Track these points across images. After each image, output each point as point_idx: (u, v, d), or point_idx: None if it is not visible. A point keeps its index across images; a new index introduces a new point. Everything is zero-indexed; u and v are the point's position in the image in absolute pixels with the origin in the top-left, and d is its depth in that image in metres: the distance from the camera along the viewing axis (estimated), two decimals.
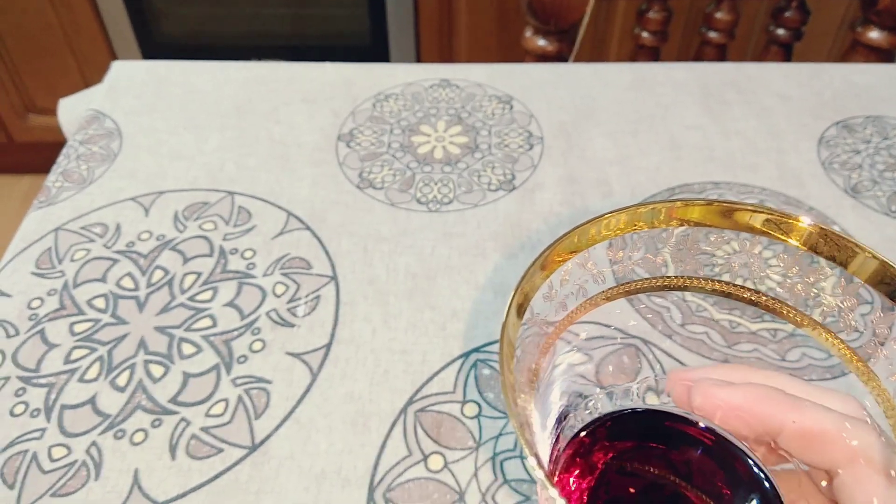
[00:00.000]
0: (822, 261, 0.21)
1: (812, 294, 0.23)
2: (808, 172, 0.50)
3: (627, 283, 0.24)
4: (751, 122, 0.54)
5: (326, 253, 0.43)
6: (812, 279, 0.22)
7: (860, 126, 0.53)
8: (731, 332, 0.40)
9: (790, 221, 0.21)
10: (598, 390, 0.26)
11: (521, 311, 0.19)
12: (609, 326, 0.38)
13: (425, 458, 0.35)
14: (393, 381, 0.38)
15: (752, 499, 0.23)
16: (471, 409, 0.36)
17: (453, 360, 0.39)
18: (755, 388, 0.23)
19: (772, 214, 0.21)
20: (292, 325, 0.40)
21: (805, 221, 0.21)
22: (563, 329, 0.22)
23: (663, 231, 0.23)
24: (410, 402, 0.37)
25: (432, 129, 0.53)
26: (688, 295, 0.43)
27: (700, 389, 0.23)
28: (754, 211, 0.22)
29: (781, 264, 0.23)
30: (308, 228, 0.45)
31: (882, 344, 0.21)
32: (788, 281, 0.23)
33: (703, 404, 0.23)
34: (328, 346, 0.39)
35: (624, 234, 0.22)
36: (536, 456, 0.16)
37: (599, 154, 0.51)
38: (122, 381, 0.37)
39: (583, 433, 0.24)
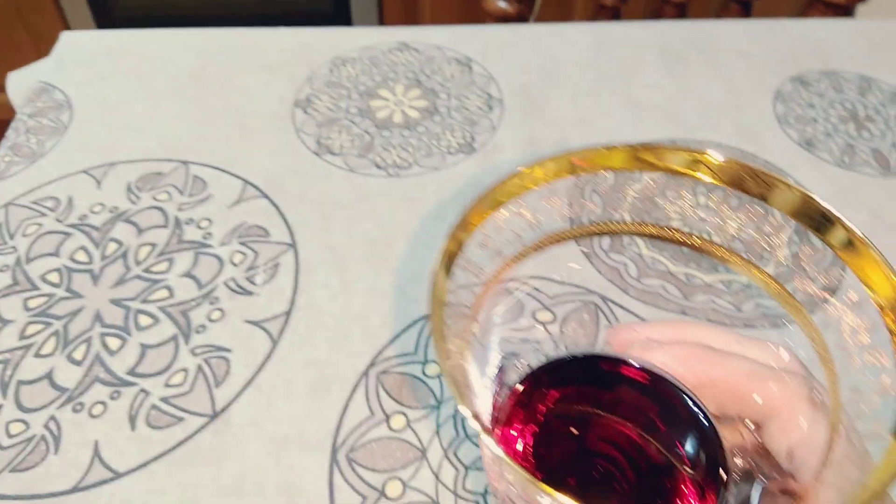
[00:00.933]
0: (747, 197, 0.21)
1: (737, 230, 0.23)
2: (764, 127, 0.50)
3: (562, 231, 0.24)
4: (709, 79, 0.54)
5: (284, 220, 0.43)
6: (741, 217, 0.22)
7: (815, 80, 0.54)
8: (686, 284, 0.41)
9: (709, 159, 0.21)
10: (536, 338, 0.26)
11: (452, 259, 0.19)
12: (563, 282, 0.39)
13: (387, 417, 0.35)
14: (354, 345, 0.38)
15: (690, 433, 0.23)
16: (432, 369, 0.37)
17: (414, 322, 0.39)
18: (681, 347, 0.23)
19: (691, 153, 0.21)
20: (251, 294, 0.39)
21: (722, 158, 0.21)
22: (500, 277, 0.22)
23: (596, 176, 0.23)
24: (372, 364, 0.37)
25: (391, 93, 0.52)
26: (643, 249, 0.43)
27: (630, 353, 0.24)
28: (674, 151, 0.22)
29: (712, 204, 0.23)
30: (265, 196, 0.44)
31: (810, 279, 0.21)
32: (718, 220, 0.23)
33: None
34: (288, 313, 0.39)
35: (548, 182, 0.22)
36: (470, 405, 0.16)
37: (560, 115, 0.51)
38: (78, 354, 0.37)
39: (524, 382, 0.24)
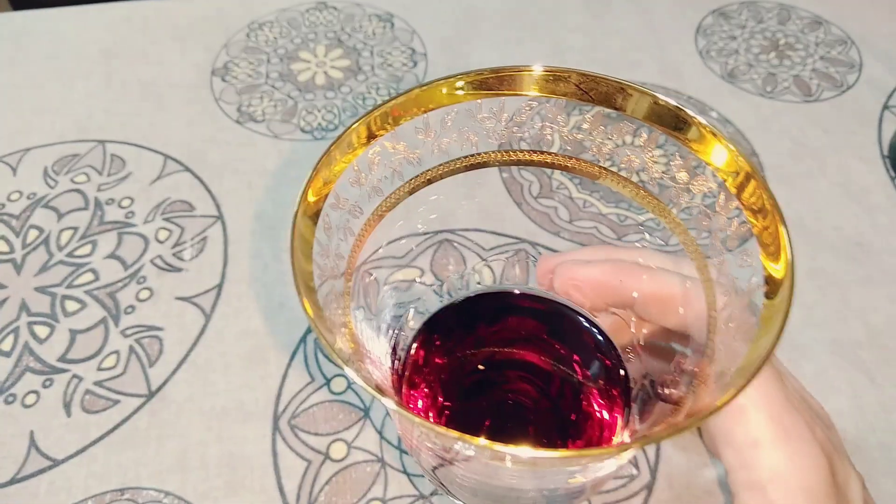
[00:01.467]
0: (607, 111, 0.21)
1: (609, 149, 0.23)
2: (687, 63, 0.50)
3: (439, 165, 0.23)
4: (632, 19, 0.54)
5: (209, 193, 0.42)
6: (615, 135, 0.22)
7: (736, 12, 0.54)
8: (619, 224, 0.42)
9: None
10: (428, 287, 0.26)
11: (321, 198, 0.19)
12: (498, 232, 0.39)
13: (328, 381, 0.35)
14: (289, 312, 0.37)
15: (589, 351, 0.24)
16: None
17: None
18: (610, 262, 0.24)
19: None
20: (180, 270, 0.39)
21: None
22: (381, 217, 0.22)
23: (472, 105, 0.22)
24: (309, 330, 0.37)
25: (312, 54, 0.51)
26: (574, 192, 0.43)
27: (560, 271, 0.24)
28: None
29: (586, 125, 0.23)
30: (188, 170, 0.43)
31: (683, 189, 0.22)
32: (579, 135, 0.23)
33: (563, 284, 0.24)
34: (219, 287, 0.38)
35: (408, 121, 0.21)
36: (360, 368, 0.16)
37: (485, 65, 0.51)
38: (6, 346, 0.36)
39: (421, 334, 0.24)
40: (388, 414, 0.34)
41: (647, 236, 0.36)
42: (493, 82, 0.21)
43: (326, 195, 0.19)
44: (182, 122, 0.46)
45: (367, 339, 0.21)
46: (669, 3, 0.55)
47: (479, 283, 0.27)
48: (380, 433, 0.33)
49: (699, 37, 0.52)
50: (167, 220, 0.41)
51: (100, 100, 0.47)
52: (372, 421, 0.34)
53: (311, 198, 0.18)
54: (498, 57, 0.51)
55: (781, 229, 0.18)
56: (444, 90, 0.21)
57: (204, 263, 0.39)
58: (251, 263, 0.39)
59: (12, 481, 0.32)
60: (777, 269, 0.18)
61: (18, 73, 0.50)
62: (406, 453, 0.33)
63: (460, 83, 0.21)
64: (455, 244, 0.36)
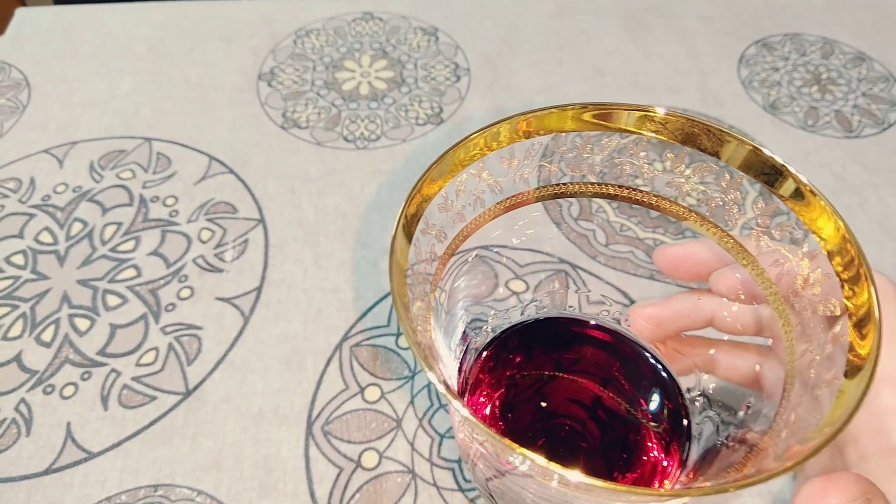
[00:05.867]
0: (700, 154, 0.22)
1: (693, 188, 0.23)
2: (729, 92, 0.50)
3: (524, 193, 0.24)
4: (672, 45, 0.54)
5: (252, 196, 0.42)
6: (697, 175, 0.23)
7: (779, 44, 0.54)
8: (654, 249, 0.42)
9: (657, 115, 0.21)
10: (501, 303, 0.26)
11: (412, 224, 0.19)
12: (532, 250, 0.39)
13: (362, 390, 0.35)
14: (327, 319, 0.38)
15: (652, 389, 0.24)
16: (405, 341, 0.37)
17: (386, 295, 0.39)
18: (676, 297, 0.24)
19: (640, 110, 0.21)
20: (221, 271, 0.39)
21: (663, 111, 0.21)
22: (462, 240, 0.22)
23: (555, 138, 0.23)
24: (345, 338, 0.37)
25: (357, 64, 0.51)
26: (611, 215, 0.44)
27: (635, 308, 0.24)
28: (622, 109, 0.22)
29: (669, 164, 0.23)
30: (232, 172, 0.44)
31: (764, 233, 0.22)
32: (675, 178, 0.23)
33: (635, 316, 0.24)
34: (259, 289, 0.38)
35: (494, 151, 0.22)
36: (438, 372, 0.16)
37: (525, 84, 0.51)
38: (47, 336, 0.36)
39: (489, 347, 0.24)
40: (420, 426, 0.34)
41: None
42: (597, 116, 0.22)
43: (419, 219, 0.19)
44: (227, 125, 0.46)
45: (441, 353, 0.21)
46: (711, 32, 0.55)
47: (544, 308, 0.27)
48: (411, 445, 0.34)
49: (742, 66, 0.52)
50: (210, 220, 0.41)
51: (146, 97, 0.48)
52: (404, 432, 0.34)
53: (409, 212, 0.19)
54: (538, 76, 0.51)
55: (874, 305, 0.17)
56: (555, 118, 0.21)
57: (245, 265, 0.39)
58: (291, 268, 0.39)
59: (48, 471, 0.32)
60: (862, 346, 0.17)
61: (67, 66, 0.51)
62: (437, 466, 0.33)
63: (570, 112, 0.22)
64: (488, 260, 0.37)
